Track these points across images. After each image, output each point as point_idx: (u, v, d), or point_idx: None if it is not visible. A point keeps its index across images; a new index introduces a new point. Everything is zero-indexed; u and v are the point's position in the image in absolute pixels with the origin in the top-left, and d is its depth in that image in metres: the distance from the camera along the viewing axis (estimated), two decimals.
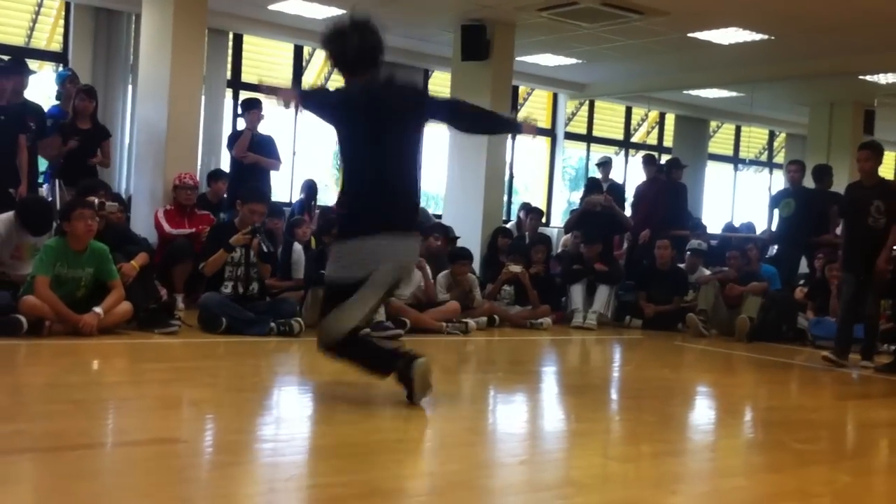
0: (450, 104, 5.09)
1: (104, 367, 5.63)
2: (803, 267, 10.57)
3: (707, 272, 9.88)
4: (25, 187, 7.78)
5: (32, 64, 9.56)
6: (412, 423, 4.46)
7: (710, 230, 12.54)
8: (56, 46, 10.81)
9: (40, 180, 8.82)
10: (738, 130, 17.76)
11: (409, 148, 4.56)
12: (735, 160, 17.93)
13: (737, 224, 14.01)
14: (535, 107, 15.06)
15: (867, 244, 7.34)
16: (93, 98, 8.70)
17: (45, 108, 8.71)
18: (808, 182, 10.63)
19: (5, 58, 8.95)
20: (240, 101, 10.42)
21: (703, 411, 5.60)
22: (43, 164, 8.82)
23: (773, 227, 10.60)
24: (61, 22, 10.76)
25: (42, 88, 10.47)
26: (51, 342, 5.85)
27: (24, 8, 10.64)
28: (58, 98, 9.16)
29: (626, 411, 5.21)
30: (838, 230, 10.70)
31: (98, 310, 6.14)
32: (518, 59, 11.62)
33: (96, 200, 6.68)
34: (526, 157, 15.17)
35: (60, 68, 10.30)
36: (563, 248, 11.50)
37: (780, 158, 18.27)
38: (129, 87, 10.75)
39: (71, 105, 8.66)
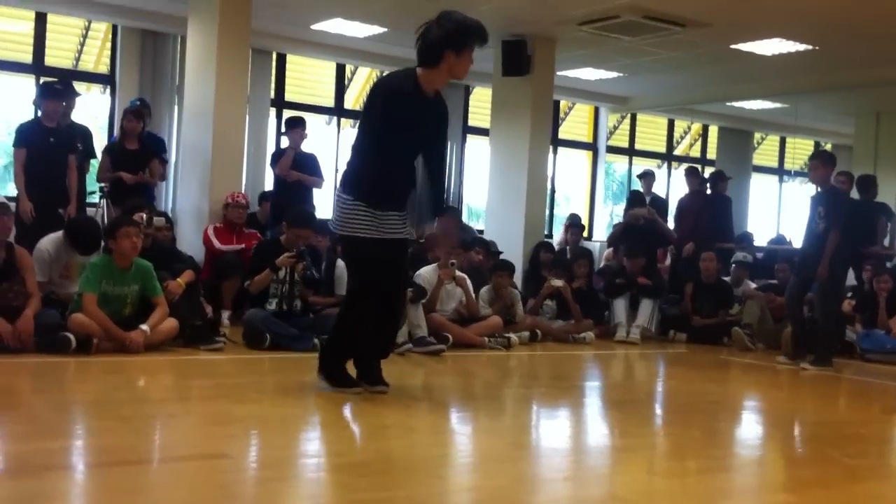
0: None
1: (151, 384, 5.70)
2: (851, 279, 10.39)
3: (753, 285, 9.76)
4: (75, 207, 7.94)
5: (80, 86, 9.74)
6: (455, 438, 4.47)
7: (755, 242, 12.40)
8: (104, 69, 11.01)
9: (95, 199, 8.99)
10: (782, 142, 17.57)
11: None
12: (780, 171, 17.75)
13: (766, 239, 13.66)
14: (576, 121, 15.03)
15: (812, 248, 7.77)
16: (140, 119, 8.83)
17: (94, 131, 8.87)
18: (854, 194, 10.47)
19: (54, 80, 9.13)
20: (283, 120, 10.52)
21: (749, 426, 5.54)
22: (92, 185, 8.99)
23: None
24: (108, 45, 10.96)
25: (90, 111, 10.67)
26: (98, 359, 5.93)
27: (73, 31, 10.84)
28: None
29: (671, 426, 5.17)
30: (886, 241, 10.57)
31: (144, 327, 6.22)
32: (559, 73, 11.61)
33: (143, 216, 6.77)
34: (568, 171, 15.13)
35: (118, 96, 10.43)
36: (605, 263, 11.44)
37: None
38: (175, 107, 10.91)
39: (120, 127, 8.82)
